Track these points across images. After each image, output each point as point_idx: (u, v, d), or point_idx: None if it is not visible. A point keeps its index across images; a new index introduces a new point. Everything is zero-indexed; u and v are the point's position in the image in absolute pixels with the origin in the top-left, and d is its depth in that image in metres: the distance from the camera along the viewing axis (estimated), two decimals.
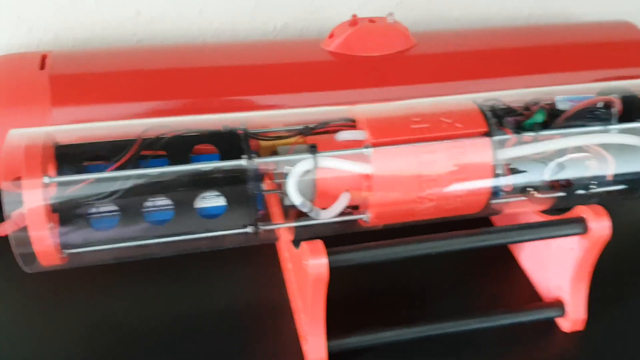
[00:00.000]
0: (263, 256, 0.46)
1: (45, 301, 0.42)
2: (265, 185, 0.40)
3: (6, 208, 0.32)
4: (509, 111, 0.41)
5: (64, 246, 0.35)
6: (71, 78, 0.44)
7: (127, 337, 0.40)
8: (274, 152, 0.39)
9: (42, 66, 0.44)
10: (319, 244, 0.35)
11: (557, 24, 0.63)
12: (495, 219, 0.49)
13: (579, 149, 0.41)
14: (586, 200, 0.42)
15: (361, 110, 0.39)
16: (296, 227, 0.39)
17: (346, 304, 0.42)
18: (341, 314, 0.40)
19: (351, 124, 0.39)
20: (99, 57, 0.48)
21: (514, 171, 0.40)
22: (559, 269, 0.42)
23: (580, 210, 0.39)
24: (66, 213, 0.34)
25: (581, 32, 0.57)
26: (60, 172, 0.35)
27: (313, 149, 0.36)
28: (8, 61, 0.46)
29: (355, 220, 0.40)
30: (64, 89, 0.44)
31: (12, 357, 0.38)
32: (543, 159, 0.40)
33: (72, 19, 0.52)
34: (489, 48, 0.53)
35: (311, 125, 0.39)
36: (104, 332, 0.40)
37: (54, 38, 0.52)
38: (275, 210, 0.40)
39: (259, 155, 0.37)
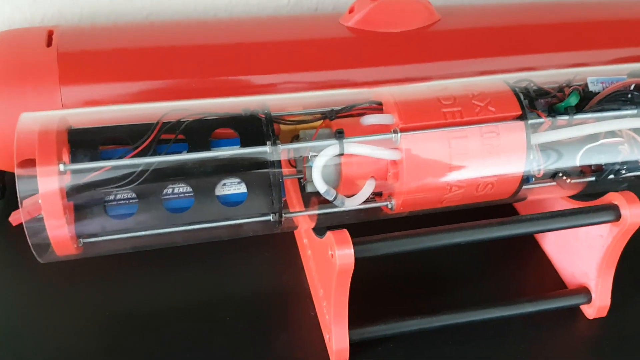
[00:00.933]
0: (280, 241, 0.45)
1: (61, 289, 0.41)
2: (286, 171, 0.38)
3: (22, 196, 0.31)
4: (542, 93, 0.39)
5: (80, 235, 0.33)
6: (80, 55, 0.42)
7: (146, 324, 0.39)
8: (295, 137, 0.38)
9: (49, 43, 0.42)
10: (344, 234, 0.33)
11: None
12: (518, 205, 0.48)
13: (610, 133, 0.39)
14: (616, 185, 0.41)
15: (388, 92, 0.37)
16: (319, 215, 0.37)
17: (368, 292, 0.41)
18: (363, 303, 0.39)
19: (378, 107, 0.38)
20: (108, 33, 0.45)
21: (545, 156, 0.38)
22: (586, 256, 0.41)
23: (612, 197, 0.38)
24: (82, 201, 0.33)
25: (612, 8, 0.54)
26: (75, 157, 0.33)
27: (340, 135, 0.35)
28: (12, 37, 0.43)
29: (379, 208, 0.39)
30: (73, 67, 0.41)
31: (27, 346, 0.37)
32: (575, 143, 0.39)
33: None
34: (516, 24, 0.51)
35: (336, 109, 0.37)
36: (122, 320, 0.40)
37: (59, 12, 0.50)
38: (293, 197, 0.39)
39: (280, 141, 0.36)
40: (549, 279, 0.44)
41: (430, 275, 0.44)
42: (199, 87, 0.44)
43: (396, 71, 0.47)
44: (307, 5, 0.56)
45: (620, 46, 0.50)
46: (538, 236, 0.46)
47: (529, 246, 0.46)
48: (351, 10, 0.48)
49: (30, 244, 0.32)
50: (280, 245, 0.45)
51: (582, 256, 0.41)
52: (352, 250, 0.33)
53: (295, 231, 0.45)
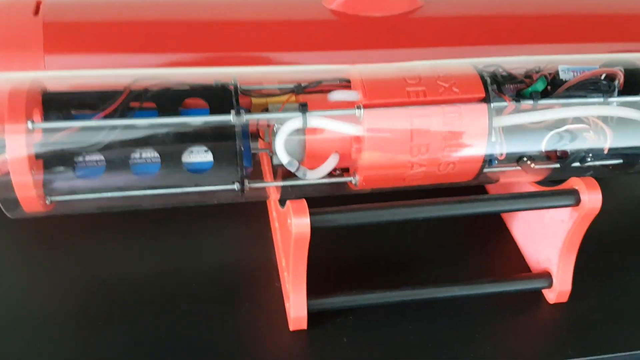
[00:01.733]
0: (254, 214, 0.46)
1: (33, 252, 0.43)
2: (258, 143, 0.39)
3: None
4: (510, 78, 0.40)
5: (48, 193, 0.35)
6: (65, 25, 0.44)
7: (115, 288, 0.41)
8: (265, 110, 0.39)
9: (36, 12, 0.44)
10: (302, 203, 0.34)
11: None
12: (490, 188, 0.48)
13: (577, 120, 0.40)
14: (581, 173, 0.41)
15: (357, 70, 0.38)
16: (283, 187, 0.38)
17: (331, 267, 0.42)
18: (325, 276, 0.40)
19: (346, 84, 0.39)
20: (95, 6, 0.46)
21: (509, 139, 0.39)
22: (549, 241, 0.42)
23: (573, 182, 0.38)
24: (50, 160, 0.34)
25: (596, 2, 0.54)
26: (47, 119, 0.35)
27: (304, 108, 0.36)
28: (2, 6, 0.45)
29: (344, 183, 0.39)
30: (58, 37, 0.43)
31: None
32: (540, 129, 0.39)
33: None
34: (499, 14, 0.51)
35: (304, 84, 0.38)
36: (92, 284, 0.41)
37: None
38: (266, 169, 0.40)
39: (248, 112, 0.37)
40: (514, 263, 0.45)
41: (397, 253, 0.45)
42: (181, 62, 0.45)
43: (376, 55, 0.48)
44: None
45: (600, 40, 0.50)
46: (507, 221, 0.47)
47: (497, 230, 0.47)
48: None
49: None
50: (252, 219, 0.46)
51: (546, 241, 0.42)
52: (308, 219, 0.34)
53: (268, 204, 0.46)
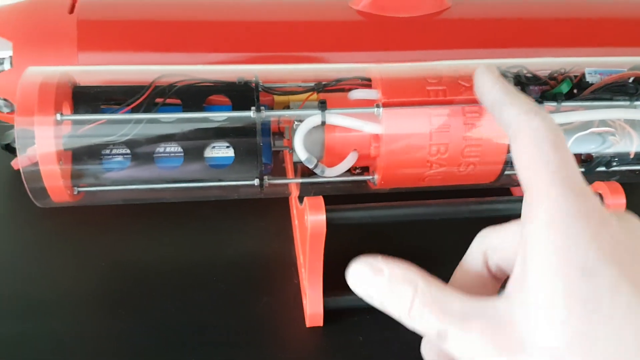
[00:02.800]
0: (277, 210, 0.46)
1: (67, 238, 0.44)
2: (279, 140, 0.40)
3: (19, 143, 0.34)
4: (534, 79, 0.39)
5: (76, 184, 0.36)
6: (98, 24, 0.45)
7: (139, 276, 0.42)
8: (287, 107, 0.39)
9: (72, 10, 0.45)
10: (319, 200, 0.35)
11: None
12: (514, 191, 0.48)
13: (603, 124, 0.39)
14: (607, 177, 0.41)
15: (378, 69, 0.38)
16: (303, 184, 0.39)
17: (348, 263, 0.42)
18: (343, 274, 0.40)
19: (367, 83, 0.39)
20: (129, 5, 0.48)
21: None
22: None
23: (597, 187, 0.37)
24: (78, 151, 0.35)
25: (625, 4, 0.53)
26: (76, 111, 0.36)
27: (322, 105, 0.36)
28: (39, 3, 0.46)
29: (364, 182, 0.40)
30: (91, 34, 0.44)
31: (26, 292, 0.40)
32: (564, 131, 0.39)
33: None
34: (526, 16, 0.51)
35: (324, 82, 0.38)
36: (118, 270, 0.42)
37: None
38: (288, 167, 0.40)
39: (268, 109, 0.37)
40: None
41: (414, 252, 0.44)
42: (210, 61, 0.47)
43: (402, 56, 0.48)
44: None
45: (632, 45, 0.49)
46: None
47: None
48: None
49: (27, 189, 0.35)
50: (275, 215, 0.46)
51: None
52: (324, 216, 0.34)
53: (290, 201, 0.46)
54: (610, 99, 0.38)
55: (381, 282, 0.24)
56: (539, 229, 0.21)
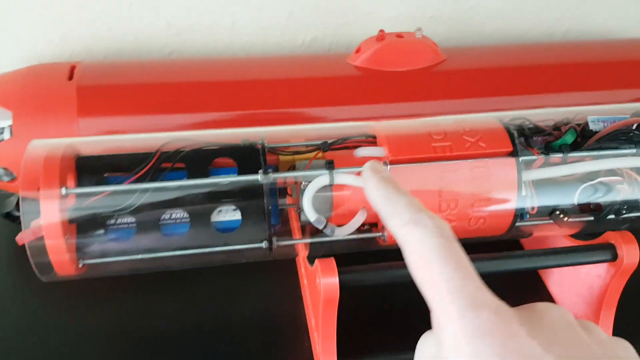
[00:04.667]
0: (284, 270, 0.46)
1: (68, 309, 0.43)
2: (286, 200, 0.40)
3: (24, 218, 0.33)
4: (537, 131, 0.39)
5: (81, 256, 0.35)
6: (98, 89, 0.45)
7: (143, 346, 0.41)
8: (292, 167, 0.39)
9: (71, 76, 0.45)
10: (331, 262, 0.34)
11: (594, 40, 0.61)
12: (524, 241, 0.47)
13: (610, 172, 0.39)
14: (617, 225, 0.40)
15: (382, 126, 0.38)
16: (312, 244, 0.38)
17: (362, 325, 0.41)
18: (356, 335, 0.39)
19: (372, 140, 0.39)
20: (127, 69, 0.48)
21: (540, 193, 0.38)
22: (586, 297, 0.40)
23: (609, 237, 0.37)
24: (83, 224, 0.35)
25: (620, 48, 0.54)
26: (80, 183, 0.35)
27: (330, 165, 0.36)
28: (38, 71, 0.47)
29: (373, 239, 0.39)
30: (91, 100, 0.44)
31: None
32: (572, 181, 0.39)
33: (104, 29, 0.53)
34: (521, 64, 0.51)
35: (330, 141, 0.38)
36: (121, 340, 0.41)
37: (86, 48, 0.53)
38: (295, 226, 0.40)
39: (276, 170, 0.37)
40: None
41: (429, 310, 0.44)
42: (213, 121, 0.46)
43: (401, 109, 0.48)
44: (321, 45, 0.58)
45: (626, 87, 0.49)
46: (542, 275, 0.46)
47: (533, 284, 0.46)
48: (358, 50, 0.50)
49: (32, 264, 0.34)
50: (282, 274, 0.45)
51: (583, 297, 0.41)
52: (337, 279, 0.34)
53: (297, 261, 0.46)
54: (616, 148, 0.38)
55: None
56: (449, 355, 0.21)
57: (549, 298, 0.44)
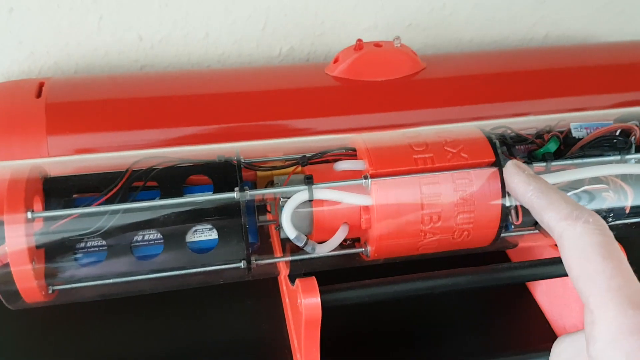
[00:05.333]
0: (263, 290, 0.44)
1: (38, 335, 0.41)
2: (266, 217, 0.38)
3: None
4: (520, 139, 0.39)
5: (50, 283, 0.34)
6: (67, 106, 0.43)
7: None
8: (270, 183, 0.38)
9: (39, 94, 0.44)
10: (312, 281, 0.33)
11: (574, 45, 0.60)
12: (511, 252, 0.47)
13: (595, 180, 0.38)
14: None
15: (362, 138, 0.37)
16: (293, 262, 0.37)
17: (346, 342, 0.40)
18: (340, 355, 0.37)
19: (352, 153, 0.38)
20: (98, 85, 0.47)
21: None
22: (574, 307, 0.39)
23: None
24: (52, 249, 0.33)
25: (601, 53, 0.54)
26: (48, 205, 0.34)
27: (309, 180, 0.35)
28: (5, 89, 0.45)
29: (356, 254, 0.38)
30: (60, 117, 0.43)
31: None
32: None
33: (73, 44, 0.51)
34: (502, 71, 0.51)
35: (308, 155, 0.37)
36: None
37: (55, 64, 0.51)
38: (275, 243, 0.39)
39: (253, 187, 0.36)
40: (539, 330, 0.42)
41: (415, 326, 0.43)
42: (187, 136, 0.45)
43: (381, 119, 0.47)
44: (298, 56, 0.57)
45: (609, 92, 0.49)
46: (531, 287, 0.45)
47: (519, 296, 0.45)
48: (336, 60, 0.49)
49: None
50: (263, 293, 0.44)
51: (571, 307, 0.40)
52: (318, 299, 0.32)
53: (279, 279, 0.44)
54: (601, 155, 0.38)
55: None
56: (602, 351, 0.21)
57: (536, 309, 0.44)
